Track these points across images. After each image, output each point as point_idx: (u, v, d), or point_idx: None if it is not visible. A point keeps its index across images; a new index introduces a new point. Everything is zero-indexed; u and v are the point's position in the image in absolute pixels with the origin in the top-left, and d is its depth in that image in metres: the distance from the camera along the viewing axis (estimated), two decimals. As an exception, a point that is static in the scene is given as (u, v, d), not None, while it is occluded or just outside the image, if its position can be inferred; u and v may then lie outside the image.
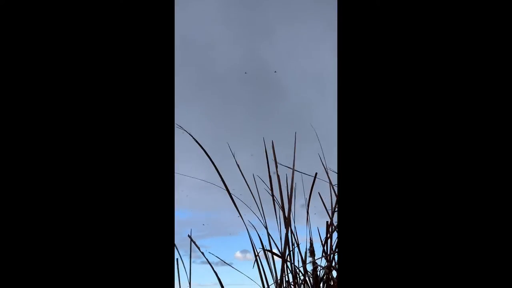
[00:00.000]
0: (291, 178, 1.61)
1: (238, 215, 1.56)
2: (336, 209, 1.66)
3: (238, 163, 1.62)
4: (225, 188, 1.57)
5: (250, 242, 1.57)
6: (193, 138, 1.51)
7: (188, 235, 1.57)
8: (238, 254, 1.98)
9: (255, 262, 1.56)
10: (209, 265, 1.54)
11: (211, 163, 1.51)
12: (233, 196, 1.58)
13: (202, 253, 1.55)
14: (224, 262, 1.54)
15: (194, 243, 1.56)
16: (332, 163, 1.63)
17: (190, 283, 1.51)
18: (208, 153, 1.51)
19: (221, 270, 1.52)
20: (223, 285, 1.49)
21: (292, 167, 1.64)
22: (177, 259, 1.51)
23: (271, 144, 1.64)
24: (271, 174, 1.65)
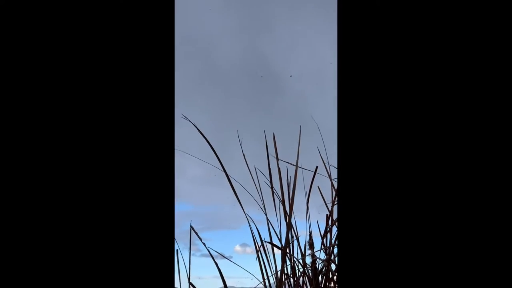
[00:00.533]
0: (293, 172, 1.62)
1: (238, 209, 1.57)
2: (336, 203, 1.67)
3: (238, 155, 1.63)
4: (227, 180, 1.58)
5: (250, 236, 1.58)
6: (196, 128, 1.51)
7: (191, 226, 1.58)
8: (237, 247, 1.99)
9: (257, 255, 1.57)
10: (207, 258, 1.55)
11: (211, 157, 1.52)
12: (234, 188, 1.59)
13: (204, 244, 1.57)
14: (223, 256, 1.56)
15: (197, 234, 1.57)
16: (331, 157, 1.64)
17: (189, 276, 1.53)
18: (208, 147, 1.52)
19: (220, 263, 1.53)
20: (224, 278, 1.50)
21: (292, 161, 1.65)
22: (176, 250, 1.52)
23: (272, 137, 1.65)
24: (271, 167, 1.66)
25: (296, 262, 1.61)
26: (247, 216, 1.58)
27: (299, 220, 1.63)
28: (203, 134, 1.48)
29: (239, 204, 1.57)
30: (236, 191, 1.58)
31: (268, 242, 1.59)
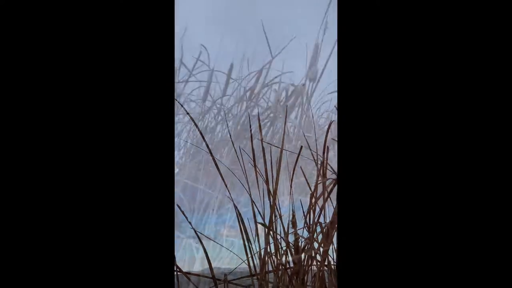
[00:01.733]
0: (279, 151, 1.63)
1: (223, 191, 1.57)
2: (319, 182, 1.70)
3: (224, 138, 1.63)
4: (213, 162, 1.57)
5: (235, 217, 1.59)
6: (187, 112, 1.50)
7: (178, 206, 1.58)
8: (222, 229, 2.01)
9: (241, 235, 1.59)
10: (191, 240, 1.56)
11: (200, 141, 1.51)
12: (220, 170, 1.59)
13: (190, 223, 1.57)
14: (208, 238, 1.57)
15: (184, 214, 1.58)
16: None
17: (174, 257, 1.54)
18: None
19: (205, 245, 1.55)
20: (210, 259, 1.52)
21: (275, 140, 1.65)
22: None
23: (257, 119, 1.65)
24: (254, 147, 1.66)
25: (279, 240, 1.64)
26: (231, 198, 1.59)
27: (282, 200, 1.64)
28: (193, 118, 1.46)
29: (224, 186, 1.58)
30: (222, 173, 1.58)
31: (259, 223, 1.61)
